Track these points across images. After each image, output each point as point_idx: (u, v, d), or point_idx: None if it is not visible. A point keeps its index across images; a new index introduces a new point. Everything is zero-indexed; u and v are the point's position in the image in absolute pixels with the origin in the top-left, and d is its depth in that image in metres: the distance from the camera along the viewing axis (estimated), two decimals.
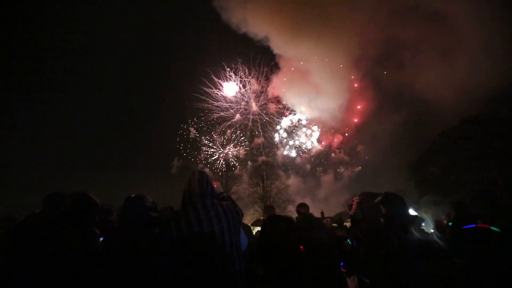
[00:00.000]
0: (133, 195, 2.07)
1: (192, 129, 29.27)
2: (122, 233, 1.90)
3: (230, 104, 29.22)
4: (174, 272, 1.63)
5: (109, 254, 1.82)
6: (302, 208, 3.92)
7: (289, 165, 28.90)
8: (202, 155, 29.23)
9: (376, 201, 3.10)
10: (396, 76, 27.68)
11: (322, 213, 20.01)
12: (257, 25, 27.98)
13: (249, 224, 7.92)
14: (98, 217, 2.81)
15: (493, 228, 2.63)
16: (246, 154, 28.37)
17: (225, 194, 2.16)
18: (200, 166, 27.76)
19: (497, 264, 3.39)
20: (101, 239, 2.02)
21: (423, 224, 3.62)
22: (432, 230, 7.79)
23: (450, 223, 5.04)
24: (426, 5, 25.84)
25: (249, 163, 27.67)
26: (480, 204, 3.01)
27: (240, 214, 1.93)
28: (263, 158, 27.91)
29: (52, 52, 35.92)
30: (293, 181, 27.91)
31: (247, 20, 27.95)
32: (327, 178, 29.27)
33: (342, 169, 29.59)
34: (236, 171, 27.45)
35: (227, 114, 29.25)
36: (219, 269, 1.61)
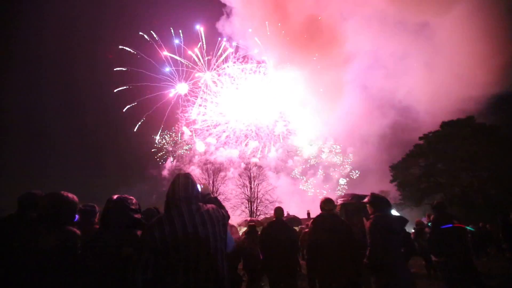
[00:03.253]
0: (115, 196, 2.00)
1: (184, 129, 28.69)
2: (103, 235, 1.84)
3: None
4: (157, 277, 1.58)
5: (89, 256, 1.76)
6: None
7: (279, 167, 29.04)
8: (193, 156, 28.73)
9: (362, 201, 3.18)
10: (383, 83, 28.73)
11: (308, 213, 20.24)
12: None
13: (236, 225, 7.90)
14: (80, 218, 2.72)
15: (468, 227, 2.77)
16: (238, 157, 28.16)
17: (212, 196, 2.15)
18: (192, 167, 27.24)
19: (471, 261, 3.59)
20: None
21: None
22: (412, 230, 8.10)
23: (429, 224, 5.27)
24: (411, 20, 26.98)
25: (242, 164, 27.50)
26: (457, 205, 3.18)
27: (226, 217, 1.91)
28: (255, 159, 27.82)
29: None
30: (282, 182, 28.01)
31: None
32: (317, 179, 29.66)
33: (332, 171, 30.11)
34: (227, 172, 27.20)
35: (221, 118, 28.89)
36: (204, 274, 1.59)
